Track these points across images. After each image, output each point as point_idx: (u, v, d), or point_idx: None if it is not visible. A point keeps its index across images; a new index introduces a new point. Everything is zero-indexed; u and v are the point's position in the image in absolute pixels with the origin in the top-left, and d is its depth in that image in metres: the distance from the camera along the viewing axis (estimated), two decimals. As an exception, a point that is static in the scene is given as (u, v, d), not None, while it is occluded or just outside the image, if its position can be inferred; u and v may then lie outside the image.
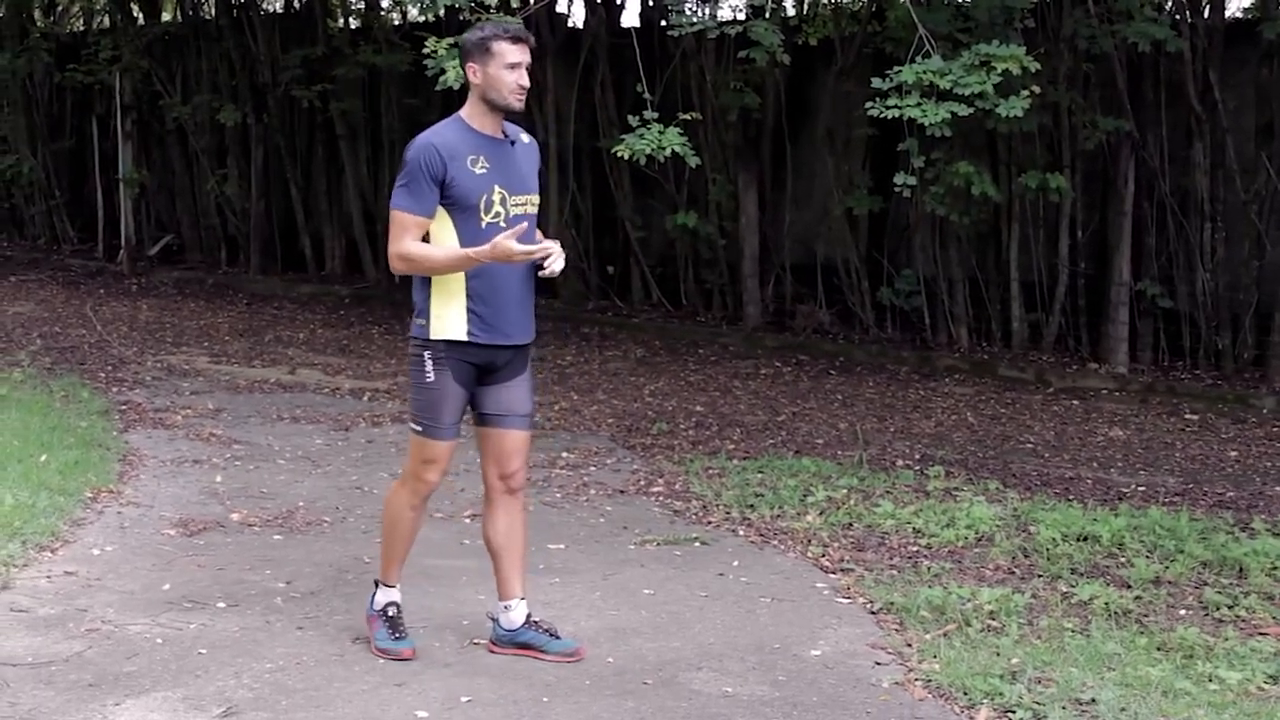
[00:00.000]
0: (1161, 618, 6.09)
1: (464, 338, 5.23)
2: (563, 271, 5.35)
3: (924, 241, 13.82)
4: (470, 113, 5.30)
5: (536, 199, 5.41)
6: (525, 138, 5.49)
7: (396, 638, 5.44)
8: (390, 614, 5.50)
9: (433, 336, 5.25)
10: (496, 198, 5.22)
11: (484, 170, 5.20)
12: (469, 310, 5.22)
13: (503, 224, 5.20)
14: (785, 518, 7.59)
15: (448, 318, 5.23)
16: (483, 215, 5.19)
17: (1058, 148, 13.02)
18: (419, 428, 5.35)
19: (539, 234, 5.48)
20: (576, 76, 15.31)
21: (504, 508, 5.49)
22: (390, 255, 5.23)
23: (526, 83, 5.27)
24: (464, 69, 5.29)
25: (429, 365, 5.27)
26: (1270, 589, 6.47)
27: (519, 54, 5.22)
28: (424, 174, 5.14)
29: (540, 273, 5.33)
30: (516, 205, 5.28)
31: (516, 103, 5.25)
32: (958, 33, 10.88)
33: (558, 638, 5.45)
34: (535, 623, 5.48)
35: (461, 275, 5.19)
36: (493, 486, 5.49)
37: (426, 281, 5.25)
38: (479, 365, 5.30)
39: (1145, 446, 9.99)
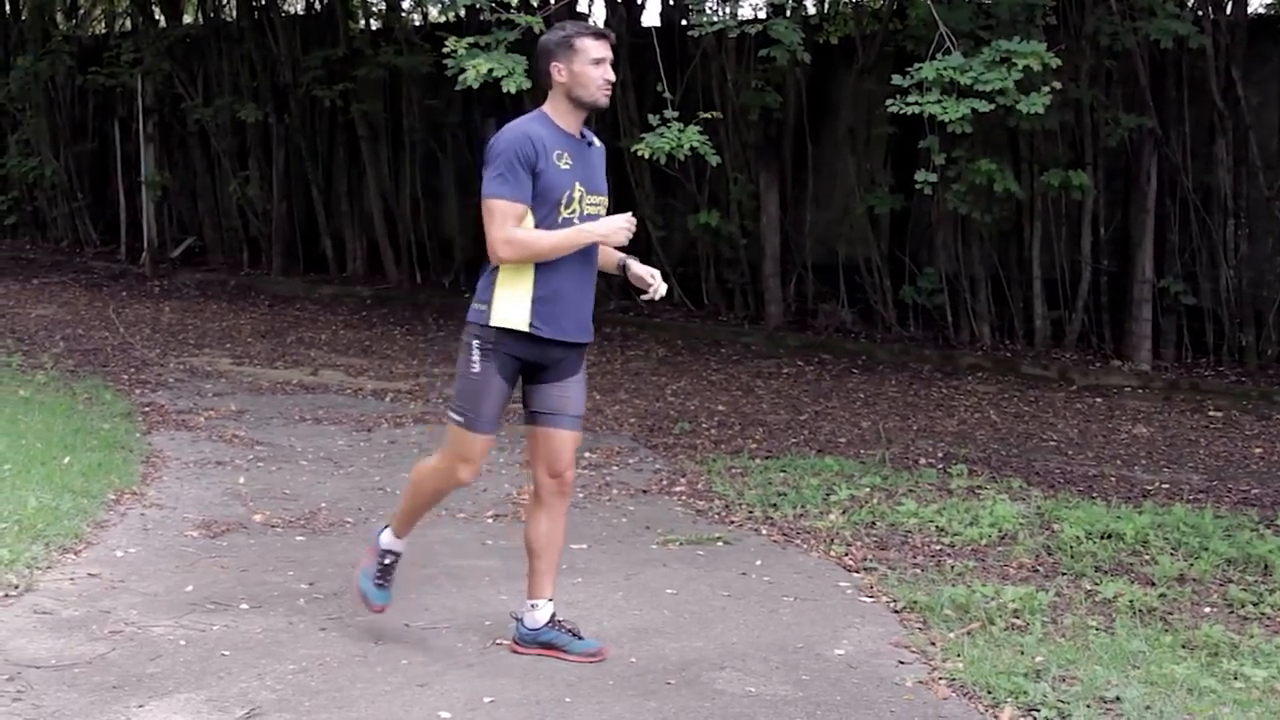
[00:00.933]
0: (1186, 615, 6.07)
1: (525, 328, 5.18)
2: None
3: (946, 239, 13.79)
4: (555, 110, 5.27)
5: (606, 201, 5.41)
6: (596, 141, 5.48)
7: (379, 585, 5.51)
8: (386, 561, 5.54)
9: (491, 323, 5.18)
10: (576, 195, 5.22)
11: (568, 167, 5.20)
12: (534, 300, 5.17)
13: (577, 221, 5.21)
14: (808, 517, 7.57)
15: (513, 306, 5.17)
16: (562, 210, 5.19)
17: (1080, 145, 12.99)
18: (459, 417, 5.29)
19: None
20: (597, 76, 15.27)
21: (550, 509, 5.46)
22: (495, 243, 5.12)
23: (612, 77, 5.28)
24: (547, 70, 5.25)
25: (476, 354, 5.22)
26: (1296, 586, 6.44)
27: (603, 49, 5.23)
28: (519, 162, 5.11)
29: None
30: (591, 205, 5.27)
31: (604, 98, 5.25)
32: (979, 30, 10.87)
33: (581, 638, 5.44)
34: (559, 622, 5.47)
35: (531, 266, 5.16)
36: (543, 485, 5.45)
37: (495, 269, 5.22)
38: (527, 361, 5.26)
39: (1169, 444, 9.96)
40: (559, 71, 5.22)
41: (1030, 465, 9.06)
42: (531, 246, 5.14)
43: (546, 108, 5.29)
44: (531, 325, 5.18)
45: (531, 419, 5.41)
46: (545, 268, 5.17)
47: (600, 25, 16.03)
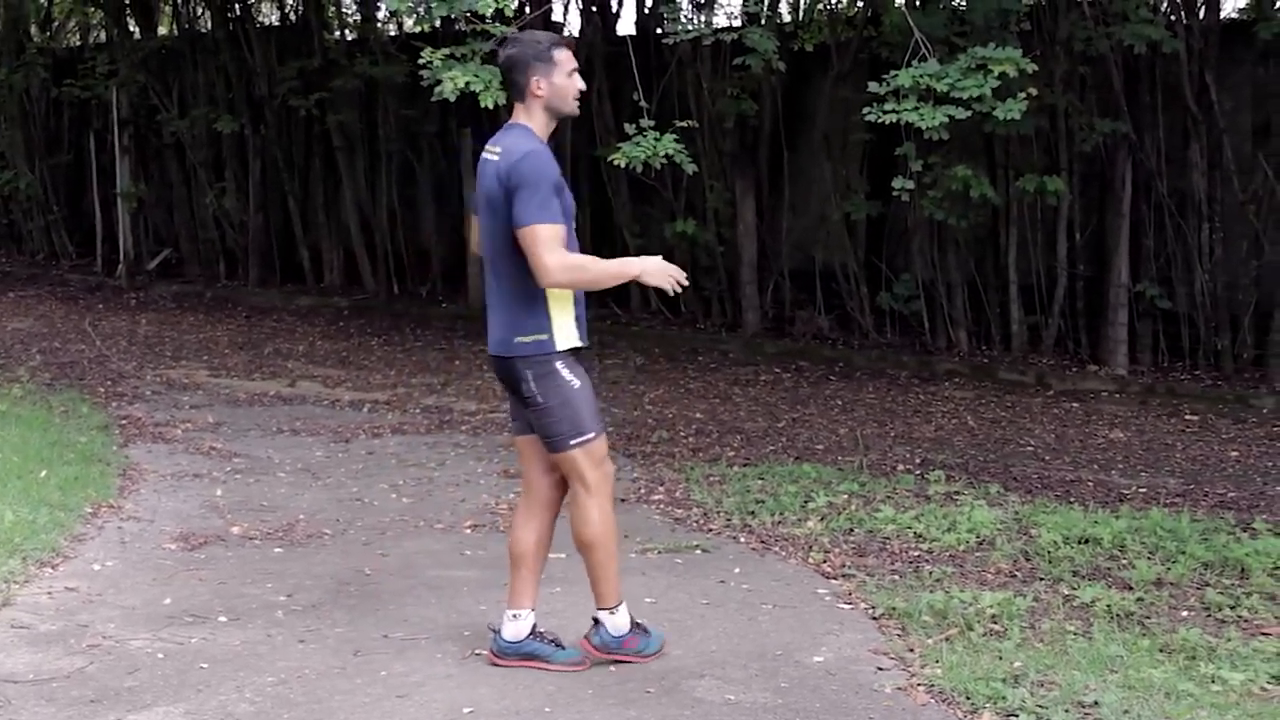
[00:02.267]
0: (1164, 619, 6.08)
1: (579, 343, 5.29)
2: None
3: (922, 246, 13.81)
4: (535, 124, 5.26)
5: None
6: None
7: (648, 632, 5.56)
8: (638, 622, 5.55)
9: (560, 348, 5.21)
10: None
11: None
12: (575, 319, 5.27)
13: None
14: (786, 524, 7.58)
15: (567, 328, 5.24)
16: (572, 227, 5.26)
17: (1055, 150, 13.03)
18: (584, 437, 5.29)
19: None
20: (573, 85, 15.26)
21: (545, 517, 5.49)
22: (550, 268, 5.03)
23: (584, 86, 5.37)
24: (526, 83, 5.22)
25: (567, 374, 5.23)
26: (1272, 589, 6.45)
27: (573, 59, 5.31)
28: (555, 186, 5.11)
29: None
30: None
31: (577, 108, 5.36)
32: (954, 36, 10.89)
33: (563, 648, 5.44)
34: (540, 633, 5.47)
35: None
36: (552, 498, 5.49)
37: (539, 296, 5.17)
38: None
39: (1146, 448, 9.98)
40: (539, 85, 5.22)
41: (1008, 470, 9.08)
42: (587, 272, 5.19)
43: (527, 121, 5.26)
44: (580, 338, 5.30)
45: None
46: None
47: (574, 34, 16.05)
